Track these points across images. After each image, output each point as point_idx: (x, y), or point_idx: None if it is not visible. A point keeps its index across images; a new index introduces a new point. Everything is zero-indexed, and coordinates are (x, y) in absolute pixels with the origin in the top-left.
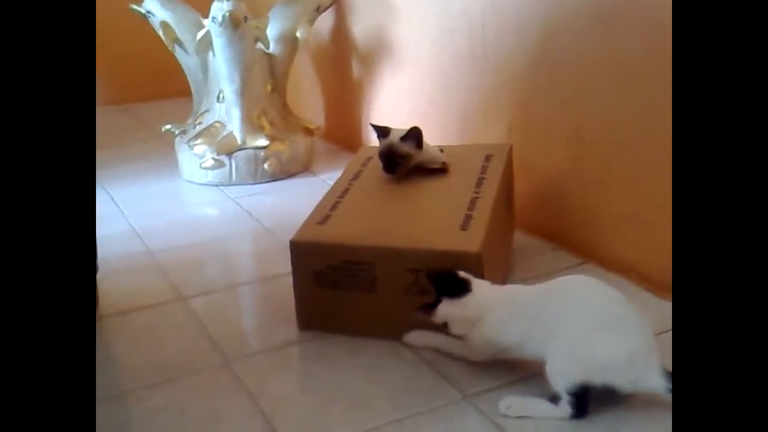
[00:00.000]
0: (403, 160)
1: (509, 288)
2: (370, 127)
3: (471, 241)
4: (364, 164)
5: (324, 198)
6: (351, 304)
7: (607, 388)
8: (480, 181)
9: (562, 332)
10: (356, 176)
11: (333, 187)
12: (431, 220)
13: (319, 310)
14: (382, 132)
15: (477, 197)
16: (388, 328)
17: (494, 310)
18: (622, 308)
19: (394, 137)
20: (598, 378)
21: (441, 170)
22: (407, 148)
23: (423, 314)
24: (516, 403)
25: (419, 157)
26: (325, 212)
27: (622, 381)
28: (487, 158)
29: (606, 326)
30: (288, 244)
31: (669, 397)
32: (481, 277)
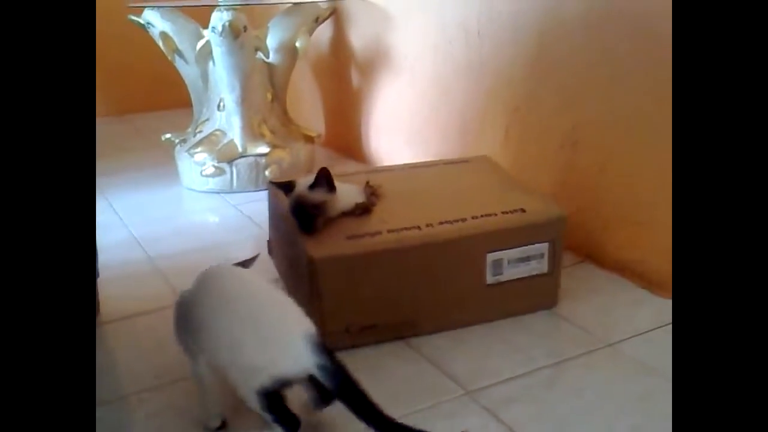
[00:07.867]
0: (318, 209)
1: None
2: (276, 184)
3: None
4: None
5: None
6: None
7: (284, 383)
8: None
9: (214, 341)
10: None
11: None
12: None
13: None
14: (287, 186)
15: None
16: None
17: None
18: (250, 298)
19: (301, 188)
20: (260, 379)
21: (366, 210)
22: (319, 195)
23: None
24: None
25: (336, 202)
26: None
27: (282, 370)
28: None
29: (239, 324)
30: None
31: (322, 377)
32: None
